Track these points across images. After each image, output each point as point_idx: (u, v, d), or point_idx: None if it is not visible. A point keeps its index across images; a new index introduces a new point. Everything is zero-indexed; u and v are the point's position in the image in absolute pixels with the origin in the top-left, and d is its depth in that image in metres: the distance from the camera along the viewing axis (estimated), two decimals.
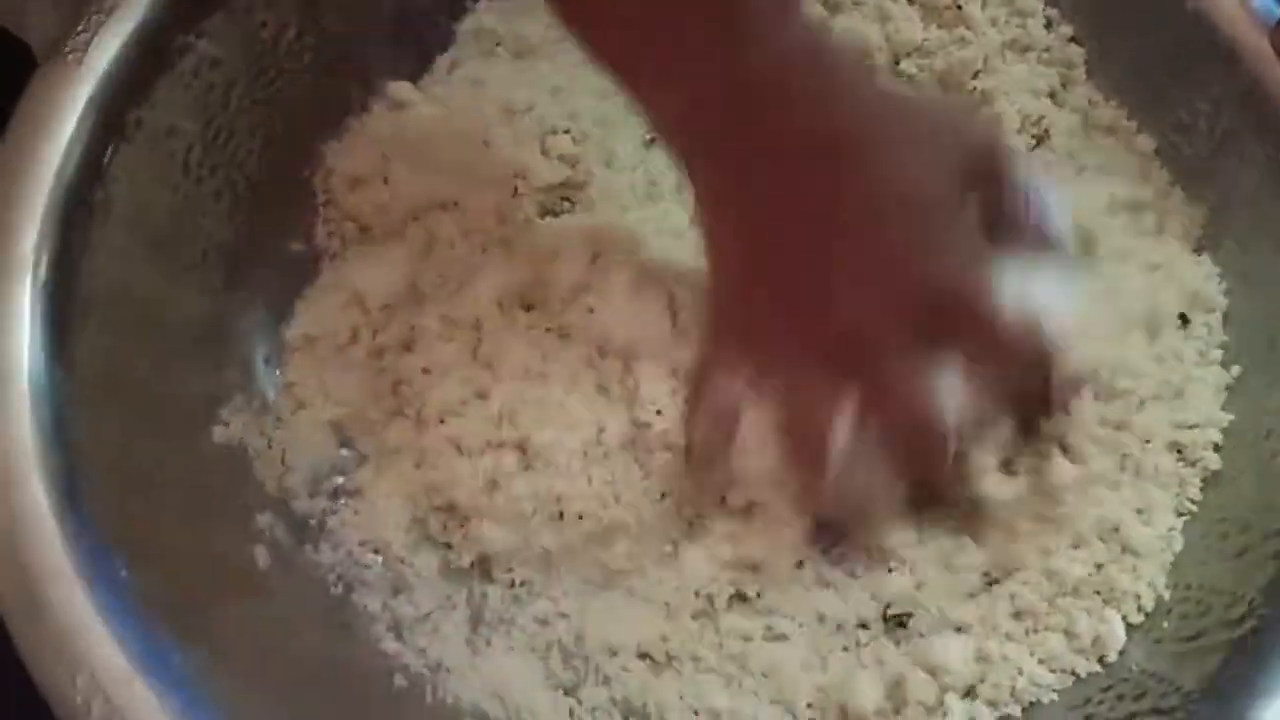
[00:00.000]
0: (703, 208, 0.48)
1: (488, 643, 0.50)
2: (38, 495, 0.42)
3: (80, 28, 0.48)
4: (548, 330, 0.52)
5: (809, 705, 0.48)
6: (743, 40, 0.43)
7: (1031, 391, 0.48)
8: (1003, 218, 0.46)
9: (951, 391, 0.46)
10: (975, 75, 0.57)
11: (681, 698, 0.49)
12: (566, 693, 0.49)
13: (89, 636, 0.40)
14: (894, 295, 0.45)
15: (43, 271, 0.45)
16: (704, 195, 0.47)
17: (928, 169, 0.45)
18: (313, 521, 0.51)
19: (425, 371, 0.52)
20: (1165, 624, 0.47)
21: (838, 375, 0.46)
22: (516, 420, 0.50)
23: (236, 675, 0.44)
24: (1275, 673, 0.43)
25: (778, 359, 0.47)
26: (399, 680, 0.49)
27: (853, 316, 0.45)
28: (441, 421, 0.52)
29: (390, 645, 0.49)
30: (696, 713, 0.48)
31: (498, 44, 0.60)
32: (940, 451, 0.46)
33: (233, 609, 0.47)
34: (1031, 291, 0.46)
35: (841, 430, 0.46)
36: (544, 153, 0.57)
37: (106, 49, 0.48)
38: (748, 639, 0.50)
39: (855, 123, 0.45)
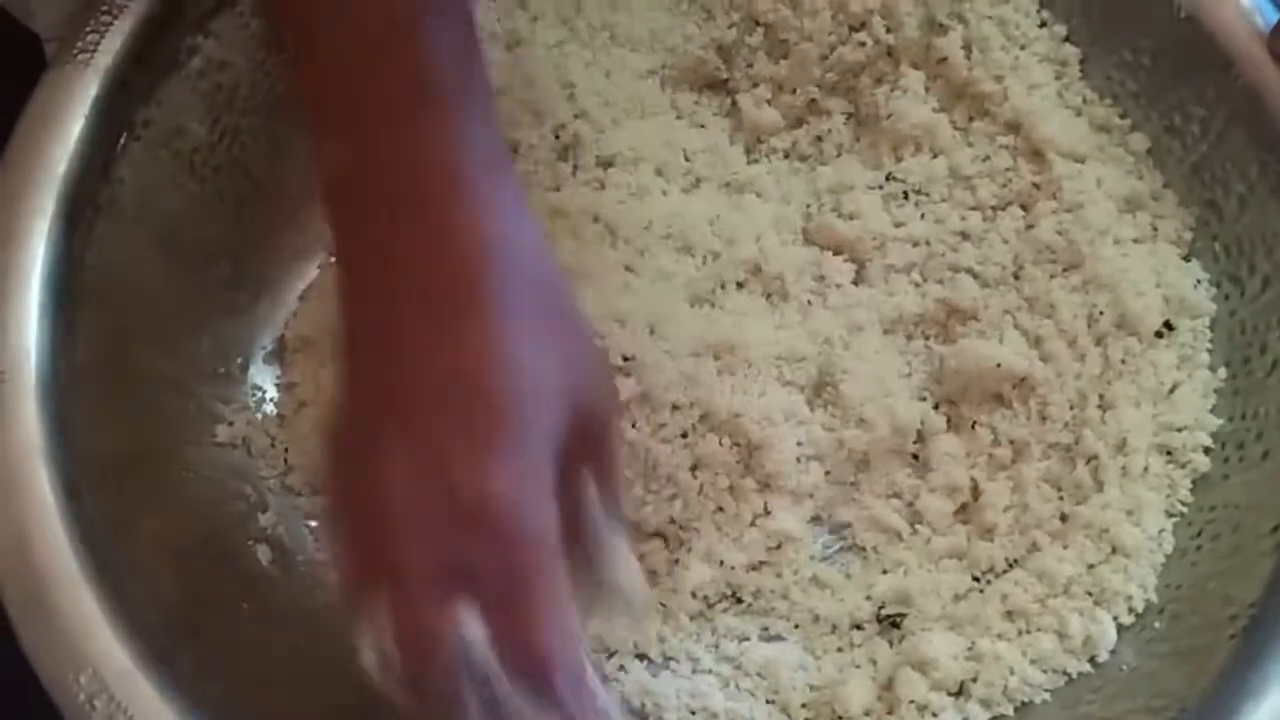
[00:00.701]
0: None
1: None
2: (45, 496, 0.43)
3: (89, 28, 0.48)
4: None
5: (804, 705, 0.49)
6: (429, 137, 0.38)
7: None
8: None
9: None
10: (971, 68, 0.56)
11: (678, 698, 0.49)
12: None
13: (93, 635, 0.41)
14: (439, 505, 0.37)
15: (49, 271, 0.46)
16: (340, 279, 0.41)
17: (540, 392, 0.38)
18: (315, 521, 0.52)
19: None
20: (1156, 624, 0.47)
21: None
22: None
23: (240, 672, 0.45)
24: (1267, 672, 0.43)
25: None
26: None
27: (393, 523, 0.37)
28: None
29: None
30: (693, 713, 0.49)
31: (491, 35, 0.60)
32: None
33: (237, 607, 0.47)
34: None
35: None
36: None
37: (114, 50, 0.49)
38: (744, 639, 0.50)
39: (498, 299, 0.38)
